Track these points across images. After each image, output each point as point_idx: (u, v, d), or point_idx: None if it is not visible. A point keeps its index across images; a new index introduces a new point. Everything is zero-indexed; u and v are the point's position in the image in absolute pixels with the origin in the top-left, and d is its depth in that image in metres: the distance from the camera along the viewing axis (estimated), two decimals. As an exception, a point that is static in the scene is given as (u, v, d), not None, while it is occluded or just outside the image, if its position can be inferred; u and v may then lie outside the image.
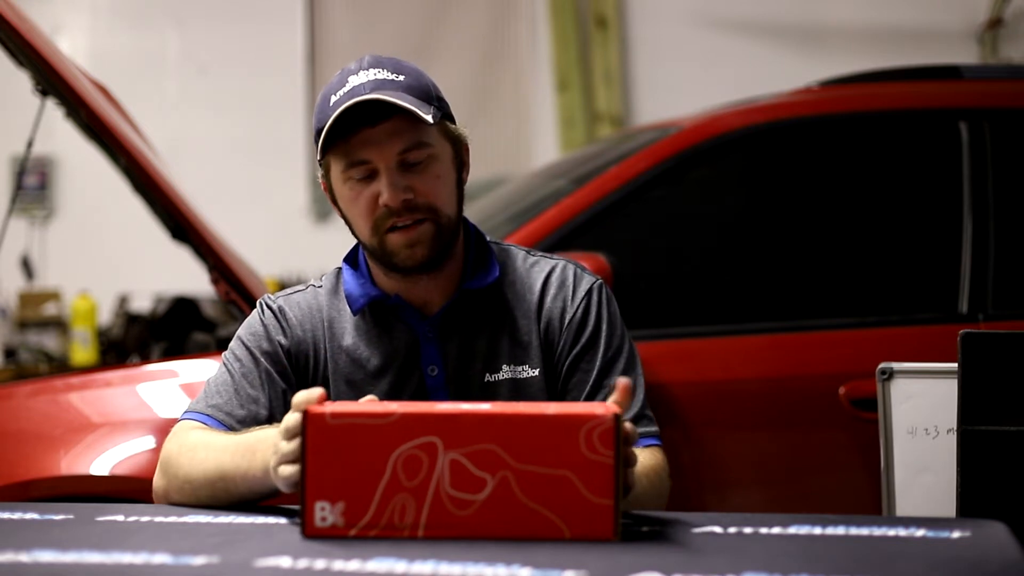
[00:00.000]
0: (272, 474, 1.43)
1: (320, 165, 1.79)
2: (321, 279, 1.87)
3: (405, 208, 1.71)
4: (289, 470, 1.39)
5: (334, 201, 1.80)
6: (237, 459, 1.55)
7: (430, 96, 1.74)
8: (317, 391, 1.38)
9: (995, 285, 2.65)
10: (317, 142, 1.73)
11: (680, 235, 2.81)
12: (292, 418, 1.40)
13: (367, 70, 1.73)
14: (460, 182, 1.80)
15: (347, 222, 1.80)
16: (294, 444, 1.38)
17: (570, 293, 1.82)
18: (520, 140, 6.92)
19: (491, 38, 7.04)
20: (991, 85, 2.94)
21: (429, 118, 1.69)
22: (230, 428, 1.69)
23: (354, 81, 1.71)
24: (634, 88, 6.99)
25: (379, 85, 1.70)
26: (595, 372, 1.79)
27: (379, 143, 1.70)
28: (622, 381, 1.39)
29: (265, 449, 1.49)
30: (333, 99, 1.72)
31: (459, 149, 1.80)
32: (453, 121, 1.79)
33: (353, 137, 1.70)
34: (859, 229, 2.80)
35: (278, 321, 1.81)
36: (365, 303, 1.79)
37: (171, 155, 3.95)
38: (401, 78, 1.72)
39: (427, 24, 7.01)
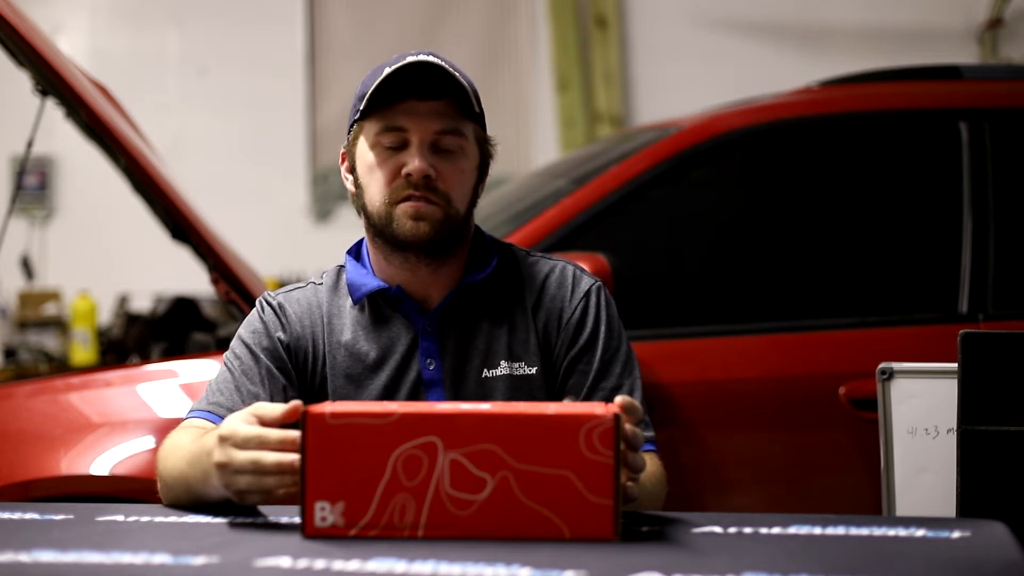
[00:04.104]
0: (224, 490, 1.45)
1: (349, 132, 1.81)
2: (322, 276, 1.88)
3: (424, 185, 1.73)
4: (245, 481, 1.41)
5: (351, 170, 1.81)
6: (194, 464, 1.55)
7: (476, 97, 1.78)
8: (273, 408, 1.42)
9: (995, 285, 2.65)
10: (356, 108, 1.77)
11: (680, 235, 2.81)
12: (239, 428, 1.41)
13: (426, 55, 1.76)
14: (476, 189, 1.82)
15: (357, 196, 1.81)
16: (247, 455, 1.40)
17: (568, 293, 1.83)
18: (520, 140, 6.93)
19: (491, 38, 7.05)
20: (991, 85, 2.94)
21: (475, 108, 1.76)
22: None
23: (411, 59, 1.74)
24: (634, 88, 6.99)
25: (438, 63, 1.74)
26: (592, 373, 1.79)
27: (421, 116, 1.74)
28: (620, 399, 1.40)
29: (210, 468, 1.49)
30: (387, 70, 1.74)
31: (485, 160, 1.83)
32: (485, 130, 1.82)
33: (398, 104, 1.74)
34: (859, 229, 2.80)
35: (277, 317, 1.81)
36: (367, 292, 1.80)
37: (171, 155, 3.95)
38: (457, 73, 1.75)
39: (427, 24, 7.02)
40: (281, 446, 1.40)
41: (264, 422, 1.43)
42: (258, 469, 1.40)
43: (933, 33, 6.75)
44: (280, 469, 1.39)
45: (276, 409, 1.43)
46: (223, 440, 1.43)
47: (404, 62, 1.73)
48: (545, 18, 7.01)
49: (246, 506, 1.50)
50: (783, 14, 6.91)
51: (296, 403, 1.41)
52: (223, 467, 1.43)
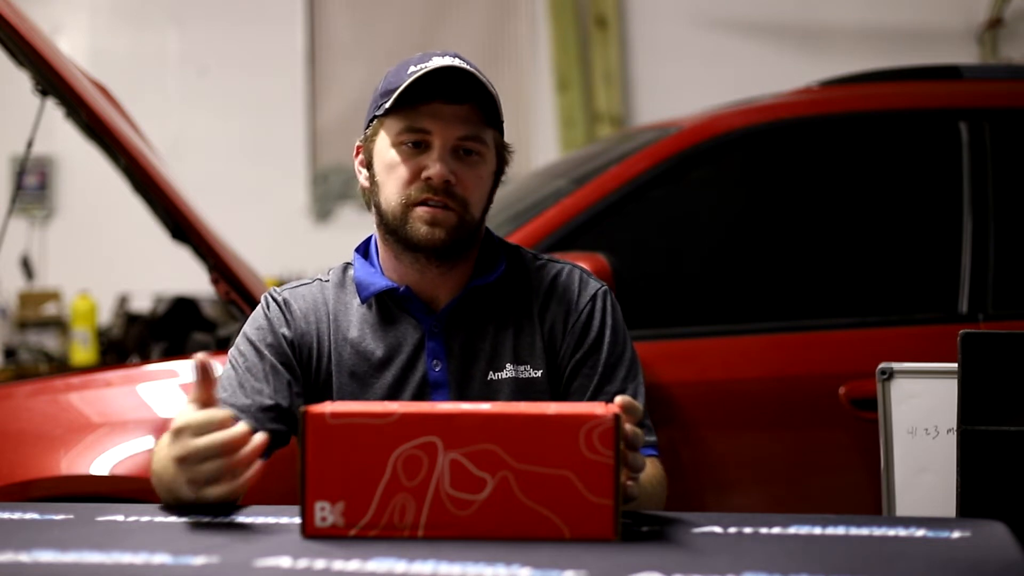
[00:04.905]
0: (192, 495, 1.45)
1: (367, 126, 1.80)
2: (328, 273, 1.88)
3: (443, 190, 1.73)
4: (218, 491, 1.42)
5: (367, 165, 1.81)
6: (170, 474, 1.52)
7: (500, 105, 1.78)
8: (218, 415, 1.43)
9: (995, 285, 2.65)
10: (378, 103, 1.76)
11: (680, 235, 2.81)
12: (192, 416, 1.42)
13: (452, 57, 1.75)
14: (491, 194, 1.82)
15: (371, 192, 1.80)
16: (214, 465, 1.40)
17: (575, 297, 1.83)
18: (520, 140, 6.93)
19: (491, 38, 7.05)
20: (991, 85, 2.94)
21: (498, 116, 1.76)
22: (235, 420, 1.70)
23: (439, 61, 1.74)
24: (634, 88, 6.99)
25: (468, 68, 1.74)
26: (596, 378, 1.80)
27: (445, 120, 1.73)
28: (620, 399, 1.40)
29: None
30: (413, 68, 1.74)
31: (501, 167, 1.83)
32: (504, 137, 1.82)
33: (423, 105, 1.73)
34: (859, 229, 2.80)
35: (282, 313, 1.81)
36: (375, 292, 1.80)
37: (171, 155, 3.95)
38: (483, 78, 1.75)
39: (427, 24, 7.02)
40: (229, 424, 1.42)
41: (202, 403, 1.45)
42: (223, 449, 1.40)
43: (933, 33, 6.76)
44: (239, 444, 1.40)
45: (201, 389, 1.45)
46: (179, 433, 1.43)
47: (432, 64, 1.72)
48: (545, 18, 7.01)
49: (225, 504, 1.49)
50: (783, 14, 6.92)
51: (204, 358, 1.45)
52: (184, 460, 1.42)
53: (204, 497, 1.44)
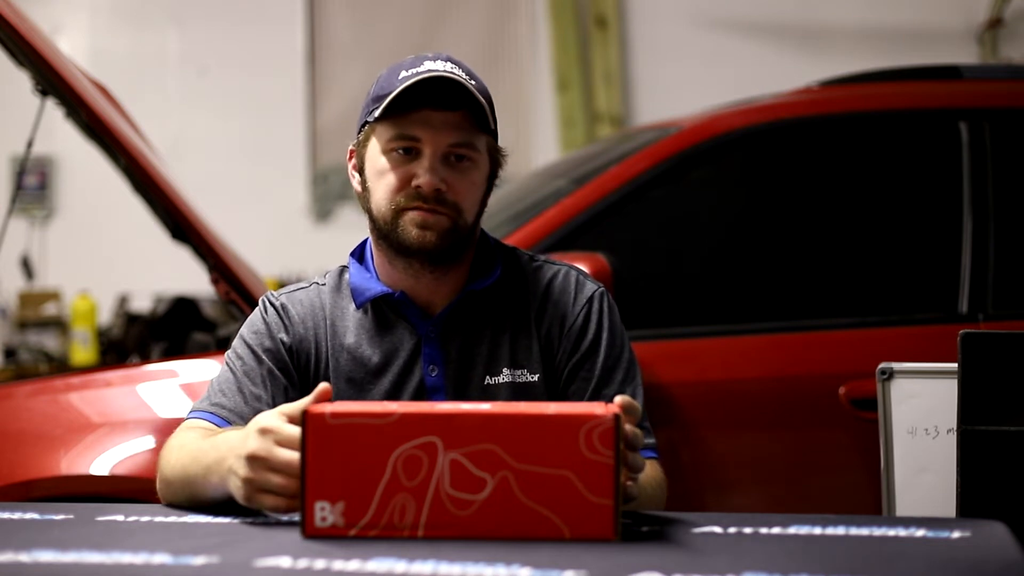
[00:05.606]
0: (246, 502, 1.44)
1: (359, 132, 1.79)
2: (324, 277, 1.87)
3: (434, 197, 1.72)
4: (271, 502, 1.41)
5: (359, 170, 1.80)
6: (197, 460, 1.55)
7: (492, 109, 1.78)
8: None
9: (995, 285, 2.65)
10: (369, 109, 1.75)
11: (680, 235, 2.81)
12: (284, 426, 1.41)
13: (444, 61, 1.75)
14: (485, 198, 1.81)
15: (363, 197, 1.80)
16: (291, 455, 1.39)
17: (571, 300, 1.82)
18: (520, 140, 6.93)
19: (491, 38, 7.05)
20: (991, 85, 2.94)
21: (490, 124, 1.75)
22: (234, 425, 1.70)
23: (430, 66, 1.73)
24: (634, 88, 7.00)
25: (458, 78, 1.73)
26: (594, 380, 1.79)
27: (436, 127, 1.72)
28: (620, 399, 1.39)
29: (221, 460, 1.49)
30: (404, 73, 1.73)
31: (495, 169, 1.82)
32: (497, 140, 1.82)
33: (414, 112, 1.72)
34: (859, 229, 2.80)
35: (280, 318, 1.81)
36: (370, 298, 1.80)
37: (171, 155, 3.95)
38: (473, 82, 1.75)
39: (427, 24, 7.02)
40: None
41: (293, 420, 1.42)
42: (296, 471, 1.38)
43: (933, 33, 6.76)
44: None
45: (303, 403, 1.42)
46: (266, 432, 1.41)
47: (423, 71, 1.71)
48: (545, 18, 7.01)
49: (246, 507, 1.49)
50: (783, 14, 6.92)
51: (325, 386, 1.41)
52: (258, 460, 1.41)
53: (254, 501, 1.43)
